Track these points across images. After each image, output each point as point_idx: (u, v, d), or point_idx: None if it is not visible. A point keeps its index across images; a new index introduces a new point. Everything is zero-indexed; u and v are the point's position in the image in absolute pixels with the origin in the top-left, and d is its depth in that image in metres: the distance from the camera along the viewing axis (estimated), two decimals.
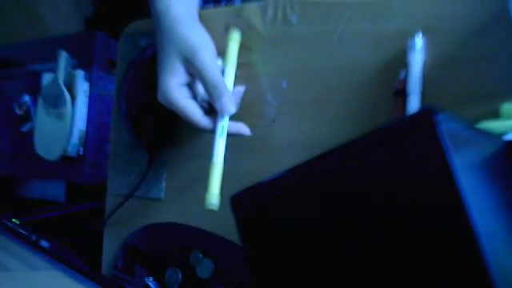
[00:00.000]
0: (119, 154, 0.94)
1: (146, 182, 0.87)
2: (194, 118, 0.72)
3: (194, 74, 0.72)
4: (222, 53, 0.78)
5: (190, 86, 0.74)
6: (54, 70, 1.46)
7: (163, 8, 0.75)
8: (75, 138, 1.43)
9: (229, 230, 0.67)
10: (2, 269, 0.70)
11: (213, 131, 0.72)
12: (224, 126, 0.72)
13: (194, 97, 0.74)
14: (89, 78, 1.48)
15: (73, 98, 1.44)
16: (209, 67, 0.70)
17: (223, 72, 0.75)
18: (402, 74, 0.67)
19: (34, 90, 1.57)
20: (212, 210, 0.69)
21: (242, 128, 0.76)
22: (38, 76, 1.55)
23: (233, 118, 0.74)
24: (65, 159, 1.45)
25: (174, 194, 0.87)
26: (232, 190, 0.54)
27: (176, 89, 0.72)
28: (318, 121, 0.75)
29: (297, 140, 0.76)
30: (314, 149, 0.51)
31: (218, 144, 0.72)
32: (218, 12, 0.85)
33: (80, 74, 1.46)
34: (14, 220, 0.91)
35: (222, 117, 0.72)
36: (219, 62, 0.77)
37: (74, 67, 1.49)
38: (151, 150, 0.86)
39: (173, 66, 0.72)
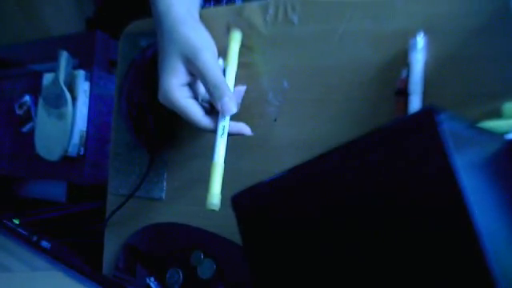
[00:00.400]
0: (120, 154, 0.94)
1: (147, 182, 0.87)
2: (194, 117, 0.72)
3: (195, 73, 0.72)
4: (222, 52, 0.78)
5: (191, 86, 0.74)
6: (54, 70, 1.46)
7: (164, 8, 0.75)
8: (76, 138, 1.43)
9: (230, 230, 0.67)
10: (2, 269, 0.70)
11: (214, 131, 0.72)
12: (225, 125, 0.72)
13: (195, 97, 0.74)
14: (89, 78, 1.48)
15: (73, 98, 1.44)
16: (210, 67, 0.70)
17: (224, 72, 0.75)
18: (403, 74, 0.67)
19: (35, 90, 1.57)
20: (213, 210, 0.69)
21: (244, 128, 0.76)
22: (38, 76, 1.55)
23: (234, 117, 0.74)
24: (65, 159, 1.46)
25: (175, 194, 0.87)
26: (233, 190, 0.54)
27: (177, 88, 0.72)
28: (319, 120, 0.75)
29: (298, 140, 0.76)
30: (315, 148, 0.51)
31: (219, 144, 0.71)
32: (219, 11, 0.85)
33: (81, 73, 1.47)
34: (14, 220, 0.91)
35: (223, 117, 0.72)
36: (220, 61, 0.77)
37: (75, 67, 1.49)
38: (152, 149, 0.86)
39: (174, 65, 0.72)
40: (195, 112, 0.72)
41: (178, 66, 0.72)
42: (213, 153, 0.71)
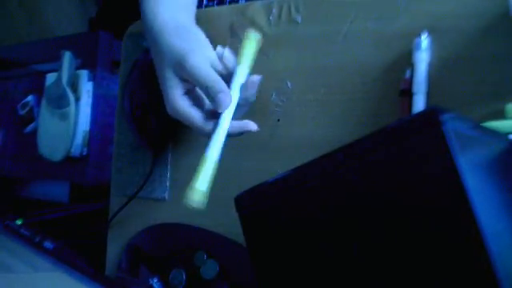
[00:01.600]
0: (123, 155, 0.93)
1: (150, 182, 0.87)
2: (197, 124, 0.71)
3: (188, 79, 0.71)
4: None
5: (193, 93, 0.73)
6: (57, 71, 1.46)
7: (151, 16, 0.75)
8: (79, 139, 1.43)
9: (233, 230, 0.67)
10: (5, 270, 0.70)
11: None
12: (222, 121, 0.70)
13: (199, 103, 0.73)
14: (92, 79, 1.48)
15: (76, 99, 1.44)
16: (198, 69, 0.69)
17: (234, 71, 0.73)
18: (407, 74, 0.67)
19: (38, 90, 1.57)
20: (193, 208, 0.64)
21: (248, 125, 0.73)
22: (41, 76, 1.55)
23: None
24: (68, 160, 1.46)
25: (178, 195, 0.87)
26: (236, 191, 0.54)
27: (179, 99, 0.71)
28: (322, 121, 0.75)
29: (301, 140, 0.76)
30: (318, 149, 0.50)
31: (215, 138, 0.68)
32: (222, 11, 0.85)
33: (84, 74, 1.47)
34: (17, 221, 0.91)
35: (221, 112, 0.69)
36: (219, 48, 0.74)
37: (78, 67, 1.49)
38: (155, 150, 0.86)
39: (167, 77, 0.71)
40: (198, 119, 0.71)
41: (170, 76, 0.71)
42: (206, 146, 0.68)
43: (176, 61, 0.70)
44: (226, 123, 0.70)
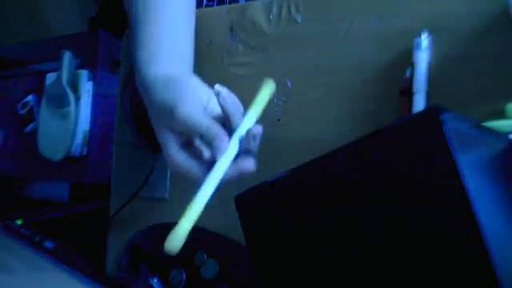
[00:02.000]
0: (123, 154, 0.93)
1: (150, 181, 0.87)
2: (197, 177, 0.66)
3: (182, 130, 0.68)
4: (223, 49, 0.77)
5: (191, 144, 0.69)
6: (57, 70, 1.46)
7: (145, 69, 0.73)
8: (79, 138, 1.43)
9: (233, 230, 0.67)
10: (5, 270, 0.70)
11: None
12: (219, 165, 0.64)
13: (199, 153, 0.68)
14: (92, 78, 1.48)
15: (76, 98, 1.44)
16: (190, 117, 0.66)
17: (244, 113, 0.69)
18: (407, 73, 0.67)
19: (38, 90, 1.57)
20: (170, 251, 0.60)
21: (245, 164, 0.66)
22: (41, 76, 1.55)
23: None
24: (68, 159, 1.45)
25: (179, 194, 0.87)
26: (236, 190, 0.54)
27: (176, 154, 0.68)
28: (322, 120, 0.75)
29: (301, 139, 0.76)
30: (318, 148, 0.51)
31: (208, 182, 0.62)
32: (222, 10, 0.85)
33: (84, 73, 1.46)
34: (17, 220, 0.91)
35: (218, 157, 0.64)
36: (224, 92, 0.71)
37: (78, 67, 1.48)
38: (155, 149, 0.86)
39: (163, 132, 0.69)
40: (195, 172, 0.67)
41: (164, 131, 0.69)
42: (197, 189, 0.62)
43: (167, 114, 0.67)
44: (221, 168, 0.64)
